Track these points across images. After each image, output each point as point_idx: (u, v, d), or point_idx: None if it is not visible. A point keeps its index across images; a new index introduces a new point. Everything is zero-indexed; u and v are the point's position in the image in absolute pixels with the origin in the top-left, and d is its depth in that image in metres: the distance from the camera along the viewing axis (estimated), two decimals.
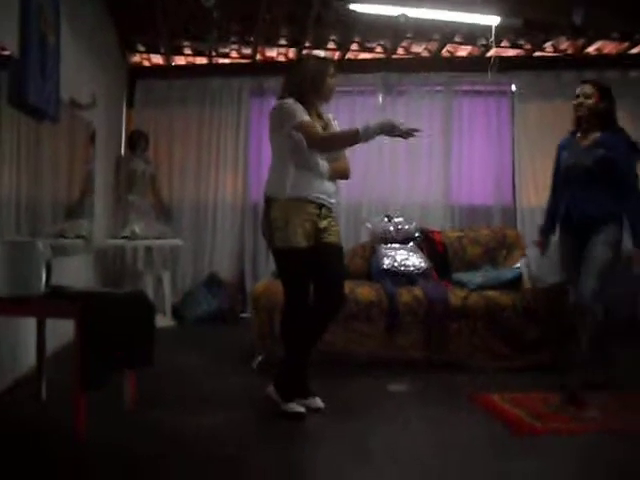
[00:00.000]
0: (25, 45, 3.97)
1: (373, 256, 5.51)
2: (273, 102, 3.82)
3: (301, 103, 3.65)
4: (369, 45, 7.38)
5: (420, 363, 4.78)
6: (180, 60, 7.72)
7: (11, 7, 3.89)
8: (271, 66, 7.44)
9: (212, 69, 7.68)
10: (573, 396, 3.84)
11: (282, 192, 3.62)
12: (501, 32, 6.48)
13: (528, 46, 7.28)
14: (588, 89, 4.37)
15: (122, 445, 3.16)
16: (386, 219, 5.77)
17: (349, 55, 7.48)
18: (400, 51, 7.46)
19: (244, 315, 7.02)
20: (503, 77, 7.12)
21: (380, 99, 7.50)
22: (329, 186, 3.74)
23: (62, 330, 4.58)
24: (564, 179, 4.42)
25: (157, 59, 7.72)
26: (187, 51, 7.52)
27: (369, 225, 5.83)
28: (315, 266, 3.69)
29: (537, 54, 7.40)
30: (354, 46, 7.34)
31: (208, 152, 7.57)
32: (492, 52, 6.50)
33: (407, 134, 3.54)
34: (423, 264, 5.31)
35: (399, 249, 5.42)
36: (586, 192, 4.23)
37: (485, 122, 7.56)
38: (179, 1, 6.34)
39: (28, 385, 3.87)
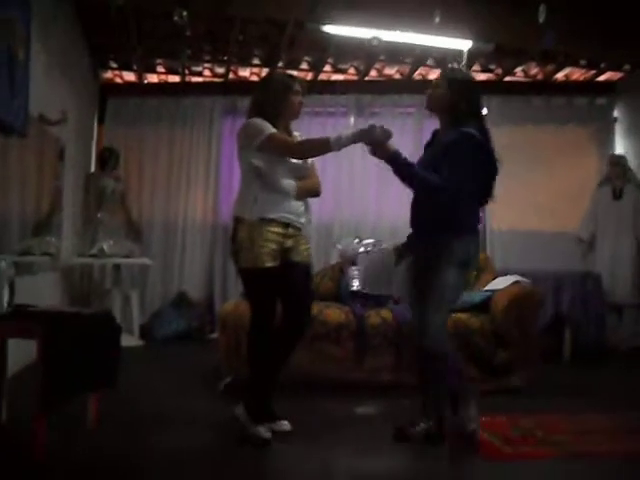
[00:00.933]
0: None
1: (342, 278, 5.49)
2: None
3: (268, 122, 3.65)
4: (342, 67, 7.43)
5: (389, 386, 4.75)
6: (152, 78, 7.70)
7: None
8: (244, 85, 7.44)
9: (185, 87, 7.66)
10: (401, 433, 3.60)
11: (248, 212, 3.61)
12: (472, 56, 6.55)
13: (499, 71, 7.38)
14: (438, 78, 3.77)
15: (83, 466, 3.09)
16: (357, 240, 5.76)
17: (322, 76, 7.51)
18: (373, 73, 7.51)
19: (213, 335, 6.94)
20: None
21: (352, 121, 7.54)
22: (296, 205, 3.73)
23: (25, 350, 4.49)
24: None
25: (129, 76, 7.68)
26: (160, 69, 7.50)
27: (339, 246, 5.82)
28: (282, 286, 3.67)
29: (507, 79, 7.50)
30: (327, 67, 7.38)
31: (179, 171, 7.53)
32: None
33: (385, 134, 3.58)
34: None
35: None
36: None
37: None
38: (152, 19, 6.34)
39: None
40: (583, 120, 7.50)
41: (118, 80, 7.79)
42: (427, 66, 7.31)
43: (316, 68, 7.32)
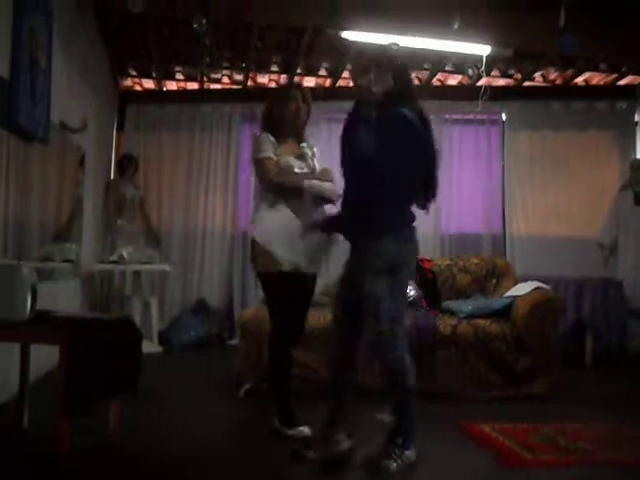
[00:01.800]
0: (16, 67, 3.96)
1: None
2: None
3: (274, 134, 3.73)
4: None
5: None
6: (171, 85, 7.74)
7: (3, 29, 3.88)
8: (262, 92, 7.44)
9: (203, 94, 7.70)
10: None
11: None
12: (491, 62, 6.53)
13: (518, 76, 7.34)
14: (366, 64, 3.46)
15: (105, 471, 3.10)
16: None
17: (340, 82, 7.51)
18: None
19: (232, 342, 6.95)
20: (493, 106, 7.16)
21: None
22: None
23: (46, 355, 4.52)
24: None
25: (149, 84, 7.73)
26: (179, 76, 7.54)
27: None
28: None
29: (527, 84, 7.46)
30: (345, 74, 7.37)
31: (198, 178, 7.56)
32: (483, 81, 6.55)
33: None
34: (412, 292, 5.28)
35: None
36: None
37: (475, 150, 7.59)
38: (172, 27, 6.37)
39: (10, 412, 3.79)
40: (603, 125, 7.44)
41: (137, 87, 7.84)
42: (446, 72, 7.29)
43: (334, 74, 7.33)
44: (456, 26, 5.72)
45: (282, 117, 3.79)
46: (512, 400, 4.65)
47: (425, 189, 3.33)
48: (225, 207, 7.56)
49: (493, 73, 7.13)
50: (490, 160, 7.55)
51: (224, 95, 7.71)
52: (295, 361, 4.67)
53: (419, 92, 6.98)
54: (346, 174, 3.28)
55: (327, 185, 3.70)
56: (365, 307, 3.17)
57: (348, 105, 7.71)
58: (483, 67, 6.22)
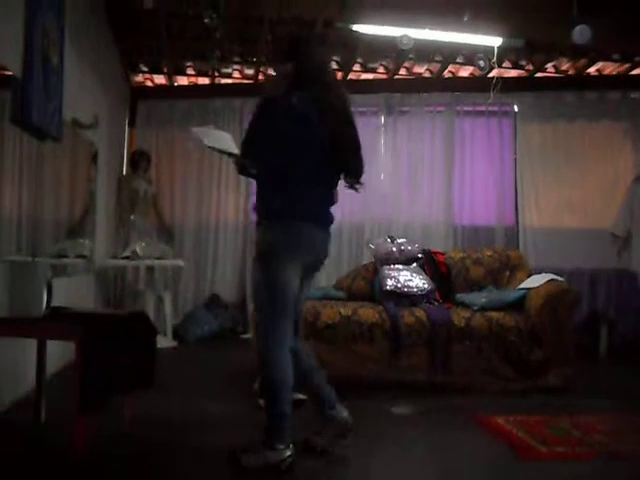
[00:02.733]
0: (28, 65, 3.97)
1: (376, 277, 5.48)
2: None
3: None
4: (371, 66, 7.41)
5: (424, 385, 4.73)
6: (182, 80, 7.75)
7: (15, 28, 3.89)
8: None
9: (214, 89, 7.70)
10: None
11: None
12: (503, 53, 6.50)
13: (530, 67, 7.30)
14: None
15: (120, 468, 3.12)
16: (389, 240, 5.74)
17: (351, 75, 7.50)
18: (402, 72, 7.48)
19: (245, 336, 6.98)
20: (505, 98, 7.13)
21: (382, 120, 7.53)
22: None
23: (62, 351, 4.55)
24: None
25: (160, 79, 7.74)
26: (190, 71, 7.55)
27: (372, 246, 5.80)
28: None
29: (538, 75, 7.42)
30: (356, 67, 7.36)
31: (210, 172, 7.57)
32: (494, 73, 6.52)
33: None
34: (426, 285, 5.28)
35: (402, 270, 5.39)
36: None
37: (487, 142, 7.56)
38: (182, 22, 6.38)
39: (27, 407, 3.82)
40: (617, 115, 7.39)
41: (149, 83, 7.85)
42: (457, 64, 7.27)
43: (345, 67, 7.31)
44: (466, 18, 5.70)
45: None
46: (526, 392, 4.65)
47: (346, 172, 3.26)
48: (237, 202, 7.58)
49: (504, 64, 7.09)
50: (502, 152, 7.52)
51: (235, 90, 7.71)
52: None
53: (430, 85, 6.90)
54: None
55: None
56: None
57: (359, 98, 7.72)
58: (495, 58, 6.19)
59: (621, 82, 7.41)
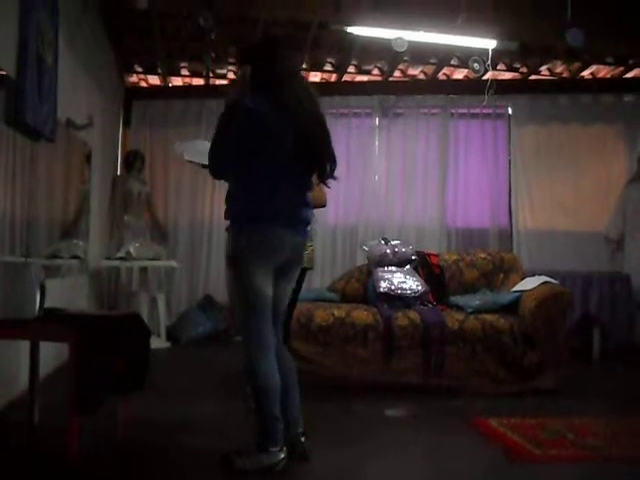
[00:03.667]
0: (22, 65, 3.95)
1: (369, 279, 5.48)
2: None
3: None
4: (366, 68, 7.41)
5: (417, 387, 4.73)
6: (177, 81, 7.74)
7: (9, 27, 3.88)
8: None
9: (209, 90, 7.68)
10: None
11: None
12: (497, 55, 6.51)
13: (524, 70, 7.32)
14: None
15: (113, 470, 3.11)
16: (383, 242, 5.74)
17: (346, 77, 7.50)
18: (397, 74, 7.49)
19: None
20: (499, 100, 7.14)
21: (377, 121, 7.54)
22: None
23: (55, 352, 4.54)
24: None
25: (154, 80, 7.73)
26: (184, 72, 7.54)
27: (366, 248, 5.80)
28: None
29: (533, 78, 7.44)
30: (351, 68, 7.36)
31: (204, 173, 7.53)
32: (488, 75, 6.53)
33: None
34: (420, 287, 5.28)
35: (396, 272, 5.39)
36: None
37: (481, 145, 7.57)
38: (177, 23, 6.37)
39: (21, 408, 3.81)
40: (611, 118, 7.41)
41: (143, 84, 7.84)
42: (452, 66, 7.27)
43: (340, 69, 7.32)
44: (460, 21, 5.71)
45: None
46: (520, 395, 4.66)
47: (320, 171, 3.23)
48: None
49: (499, 67, 7.10)
50: (496, 154, 7.53)
51: (229, 90, 7.67)
52: (301, 356, 4.71)
53: (424, 87, 6.88)
54: None
55: None
56: None
57: (354, 100, 7.74)
58: (489, 61, 6.20)
59: (615, 85, 7.44)
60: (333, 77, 7.52)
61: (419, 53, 6.85)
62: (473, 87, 7.07)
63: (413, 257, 5.62)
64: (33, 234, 4.59)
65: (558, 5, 5.45)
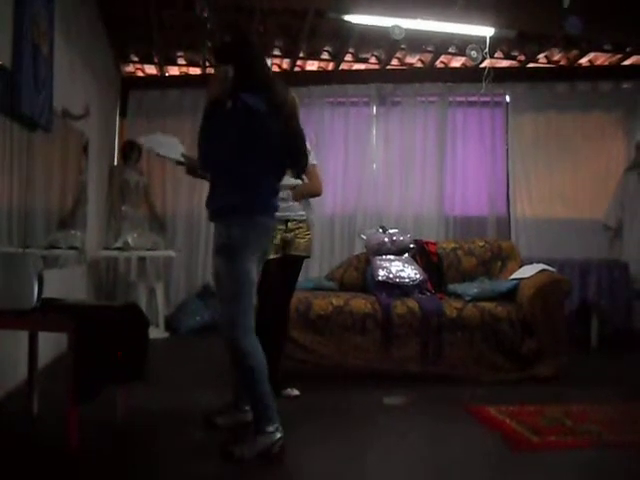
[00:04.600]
0: (18, 55, 3.93)
1: (368, 268, 5.48)
2: None
3: None
4: (363, 56, 7.39)
5: (416, 375, 4.74)
6: (174, 71, 7.70)
7: (4, 17, 3.86)
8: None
9: (205, 79, 7.63)
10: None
11: None
12: (495, 43, 6.48)
13: (522, 57, 7.30)
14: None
15: (113, 460, 3.12)
16: (381, 230, 5.74)
17: (343, 66, 7.48)
18: (394, 62, 7.46)
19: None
20: (497, 88, 7.12)
21: (374, 110, 7.52)
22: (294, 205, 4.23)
23: (53, 343, 4.54)
24: None
25: (151, 69, 7.69)
26: (181, 61, 7.51)
27: (364, 237, 5.80)
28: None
29: (531, 65, 7.42)
30: (348, 57, 7.33)
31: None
32: (486, 63, 6.51)
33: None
34: (418, 275, 5.28)
35: (394, 260, 5.39)
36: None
37: (479, 133, 7.55)
38: (173, 12, 6.34)
39: (19, 398, 3.81)
40: (609, 105, 7.39)
41: (139, 73, 7.80)
42: (449, 54, 7.25)
43: (337, 58, 7.29)
44: (457, 7, 5.69)
45: None
46: (518, 382, 4.67)
47: (295, 164, 3.42)
48: None
49: (497, 55, 7.08)
50: (494, 142, 7.51)
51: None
52: (300, 345, 4.73)
53: (422, 75, 6.88)
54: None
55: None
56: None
57: (351, 89, 7.72)
58: (487, 49, 6.18)
59: (613, 73, 7.42)
60: (330, 66, 7.49)
61: (416, 41, 6.82)
62: (471, 75, 7.05)
63: (411, 245, 5.62)
64: (31, 225, 4.58)
65: None
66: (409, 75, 7.54)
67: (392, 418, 3.94)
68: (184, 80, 7.73)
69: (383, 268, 5.27)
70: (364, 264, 5.61)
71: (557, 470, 3.09)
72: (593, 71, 7.44)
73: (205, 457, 3.16)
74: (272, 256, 3.96)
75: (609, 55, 7.24)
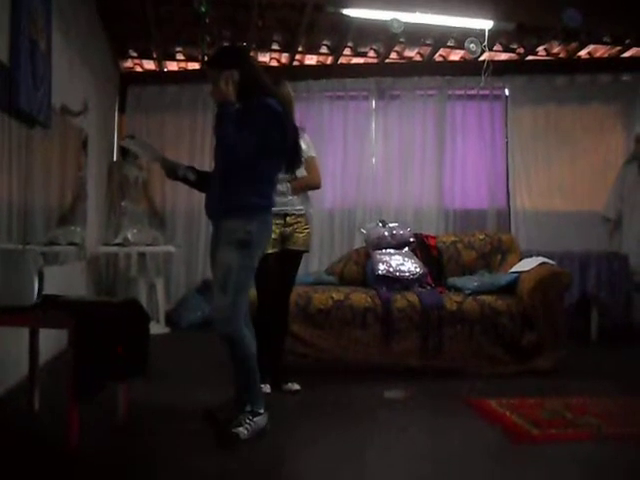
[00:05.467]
0: (16, 51, 3.93)
1: (368, 262, 5.48)
2: None
3: None
4: (362, 50, 7.38)
5: (416, 369, 4.75)
6: (172, 66, 7.69)
7: (1, 14, 3.85)
8: (263, 71, 7.39)
9: (204, 74, 7.62)
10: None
11: None
12: (494, 36, 6.47)
13: (521, 50, 7.29)
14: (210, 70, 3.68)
15: (114, 456, 3.12)
16: (380, 224, 5.74)
17: (342, 60, 7.47)
18: (393, 55, 7.45)
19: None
20: (496, 81, 7.11)
21: (373, 104, 7.51)
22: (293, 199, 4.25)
23: (54, 339, 4.55)
24: None
25: (149, 65, 7.69)
26: (179, 57, 7.50)
27: (364, 231, 5.80)
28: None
29: (530, 58, 7.41)
30: (347, 51, 7.33)
31: (200, 158, 7.51)
32: (485, 56, 6.50)
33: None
34: (418, 269, 5.28)
35: (394, 254, 5.39)
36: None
37: (478, 126, 7.54)
38: (171, 6, 6.33)
39: (20, 395, 3.82)
40: (608, 98, 7.39)
41: (138, 69, 7.79)
42: (448, 47, 7.24)
43: (336, 52, 7.28)
44: (456, 1, 5.68)
45: None
46: (518, 375, 4.68)
47: (292, 164, 3.62)
48: None
49: (495, 48, 7.07)
50: (494, 135, 7.51)
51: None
52: (300, 339, 4.74)
53: (420, 69, 6.88)
54: (215, 160, 3.53)
55: None
56: (214, 276, 3.38)
57: (350, 83, 7.70)
58: (486, 42, 6.17)
59: (612, 65, 7.41)
60: (329, 60, 7.48)
61: (415, 34, 6.81)
62: (470, 68, 7.05)
63: (411, 239, 5.62)
64: (30, 221, 4.58)
65: None
66: (408, 69, 7.53)
67: (392, 412, 3.95)
68: (183, 75, 7.72)
69: (383, 262, 5.27)
70: (364, 258, 5.61)
71: (557, 462, 3.09)
72: (592, 63, 7.43)
73: (206, 453, 3.16)
74: (270, 250, 3.97)
75: (608, 47, 7.23)
